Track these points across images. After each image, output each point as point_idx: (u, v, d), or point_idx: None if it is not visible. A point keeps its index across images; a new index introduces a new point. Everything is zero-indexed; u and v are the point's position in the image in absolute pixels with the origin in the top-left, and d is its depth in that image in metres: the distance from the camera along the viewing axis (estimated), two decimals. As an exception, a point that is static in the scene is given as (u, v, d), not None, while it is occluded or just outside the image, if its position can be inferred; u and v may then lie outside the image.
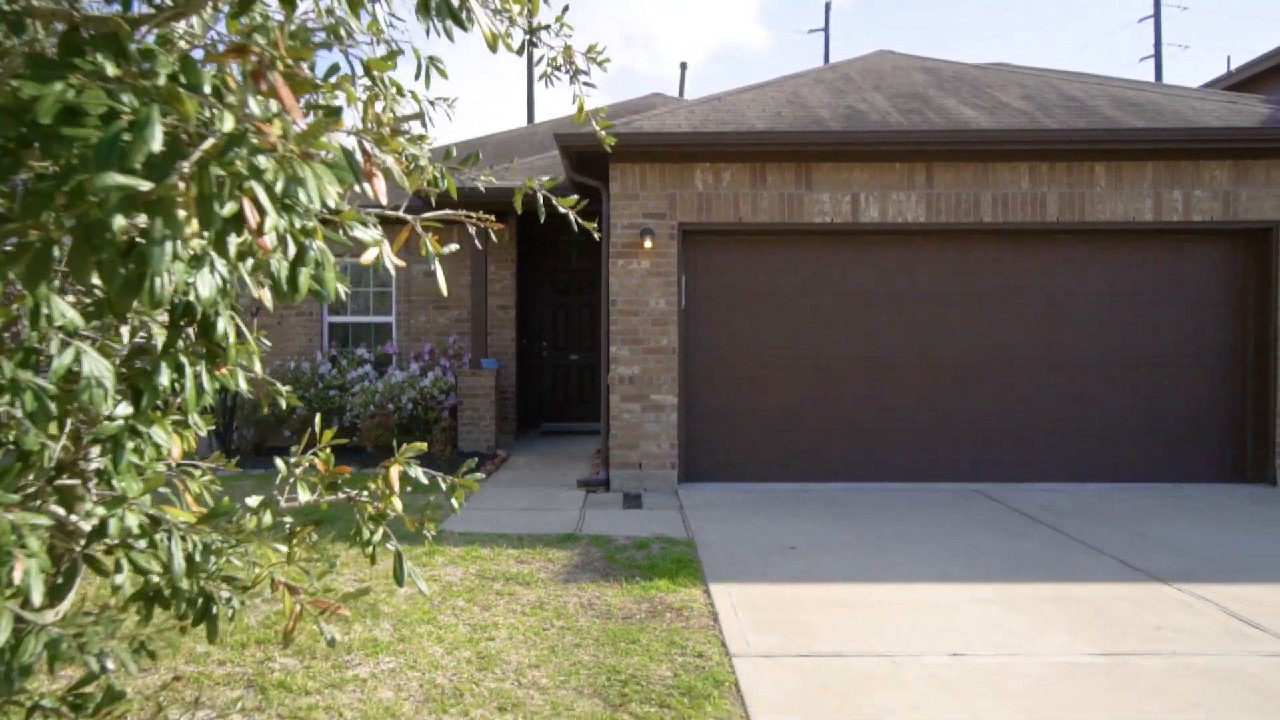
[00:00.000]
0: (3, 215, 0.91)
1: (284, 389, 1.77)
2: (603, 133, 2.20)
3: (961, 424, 8.32)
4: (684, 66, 31.48)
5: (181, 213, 0.85)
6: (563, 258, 12.00)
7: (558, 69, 2.07)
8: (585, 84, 2.05)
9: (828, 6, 34.86)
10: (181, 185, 0.84)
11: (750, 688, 3.73)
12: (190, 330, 1.39)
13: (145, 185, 0.83)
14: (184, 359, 1.35)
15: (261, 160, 0.87)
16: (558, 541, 6.14)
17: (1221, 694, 3.67)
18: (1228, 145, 7.83)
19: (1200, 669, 3.93)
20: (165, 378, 1.31)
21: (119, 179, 0.81)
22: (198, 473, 1.70)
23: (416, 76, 1.75)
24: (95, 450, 1.39)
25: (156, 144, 0.83)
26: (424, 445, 1.75)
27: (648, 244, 7.98)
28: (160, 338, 1.43)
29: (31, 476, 1.27)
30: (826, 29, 35.65)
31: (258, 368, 1.64)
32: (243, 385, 1.54)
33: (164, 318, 1.41)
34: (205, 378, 1.40)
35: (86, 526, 1.37)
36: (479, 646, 4.15)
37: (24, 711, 1.47)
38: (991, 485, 8.11)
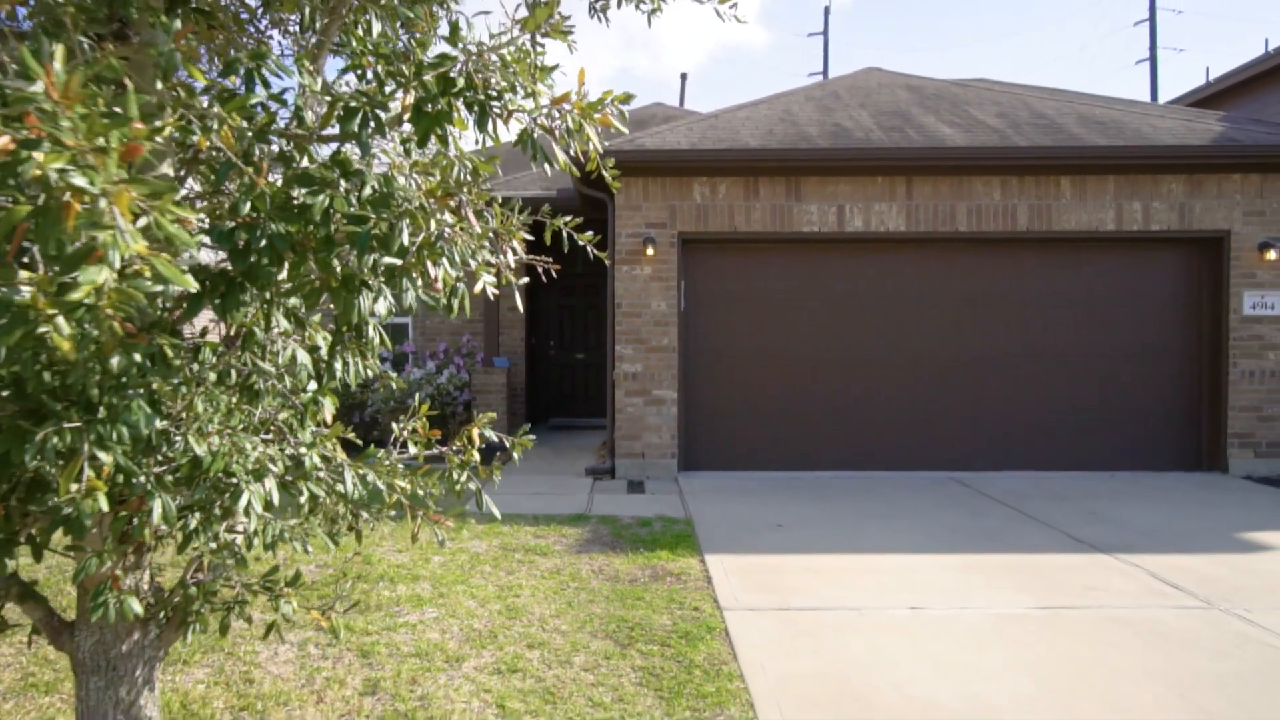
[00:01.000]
0: (292, 270, 1.61)
1: (393, 375, 2.46)
2: (609, 178, 2.83)
3: (940, 418, 9.02)
4: (684, 77, 32.18)
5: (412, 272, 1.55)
6: (569, 262, 12.69)
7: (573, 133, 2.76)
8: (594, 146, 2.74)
9: (826, 10, 35.53)
10: (412, 259, 1.54)
11: (737, 632, 4.44)
12: (347, 335, 2.09)
13: (398, 261, 1.54)
14: (347, 353, 2.04)
15: (447, 246, 1.57)
16: (569, 520, 6.85)
17: (1134, 637, 4.38)
18: (1182, 161, 8.53)
19: (1120, 619, 4.64)
20: (339, 364, 2.01)
21: (389, 260, 1.52)
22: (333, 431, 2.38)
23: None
24: (283, 414, 2.08)
25: (405, 239, 1.53)
26: (494, 415, 2.45)
27: (650, 251, 8.69)
28: (323, 341, 2.12)
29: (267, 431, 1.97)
30: (825, 32, 36.33)
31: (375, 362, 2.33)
32: (373, 372, 2.24)
33: (328, 326, 2.11)
34: (358, 365, 2.10)
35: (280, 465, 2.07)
36: (506, 601, 4.86)
37: (233, 590, 2.17)
38: (966, 474, 8.81)
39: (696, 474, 8.85)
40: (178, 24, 1.96)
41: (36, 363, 1.33)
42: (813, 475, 8.77)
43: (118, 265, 1.13)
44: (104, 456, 1.46)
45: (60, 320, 1.18)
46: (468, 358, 11.40)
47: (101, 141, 0.98)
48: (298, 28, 2.67)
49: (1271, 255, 8.55)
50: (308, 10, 2.30)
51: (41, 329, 1.17)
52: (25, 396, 1.48)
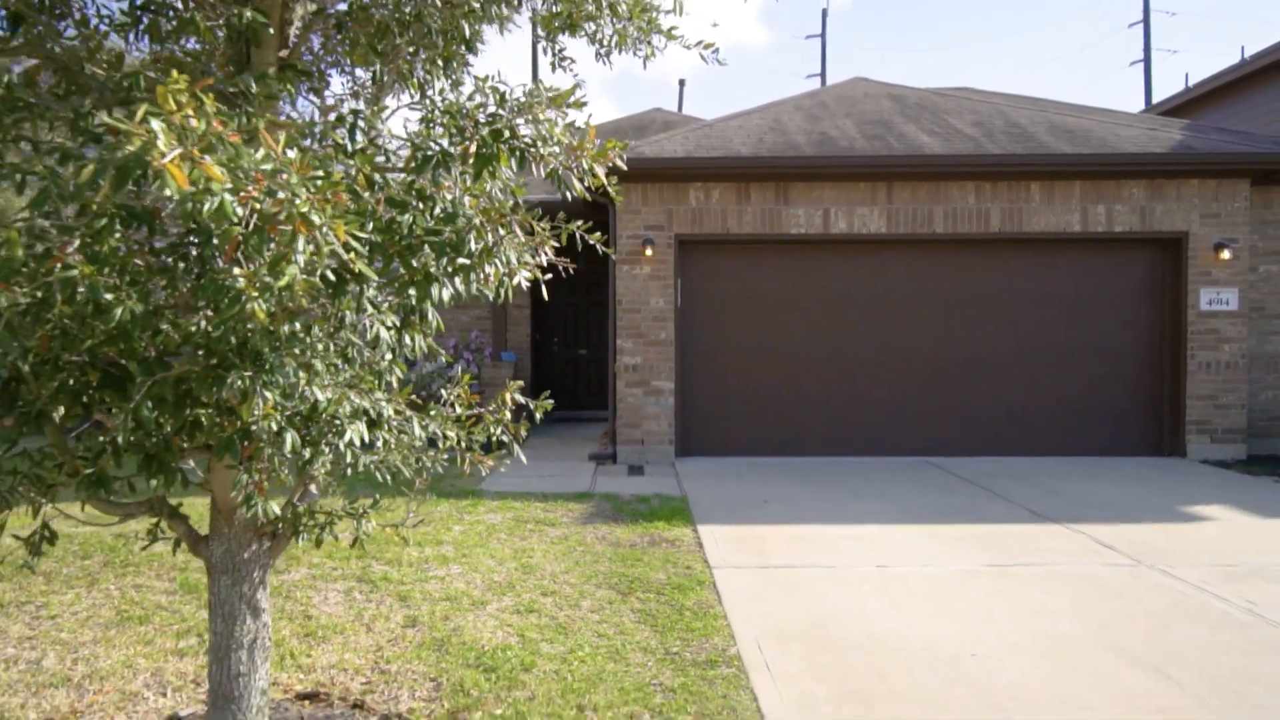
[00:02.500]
0: (381, 269, 2.26)
1: (440, 350, 3.11)
2: (612, 190, 3.43)
3: (919, 406, 9.68)
4: (682, 83, 32.92)
5: (474, 270, 2.21)
6: (572, 261, 13.35)
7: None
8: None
9: (824, 12, 36.16)
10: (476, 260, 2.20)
11: (724, 584, 5.10)
12: (414, 318, 2.75)
13: (468, 261, 2.20)
14: (413, 332, 2.70)
15: (500, 251, 2.23)
16: (575, 497, 7.51)
17: (1069, 587, 5.04)
18: (1144, 167, 9.19)
19: (1060, 574, 5.30)
20: (408, 339, 2.66)
21: (461, 260, 2.18)
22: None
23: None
24: (367, 377, 2.73)
25: (473, 245, 2.19)
26: (522, 382, 3.10)
27: (648, 252, 9.35)
28: (393, 322, 2.77)
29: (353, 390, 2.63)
30: (823, 34, 36.99)
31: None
32: (429, 349, 2.89)
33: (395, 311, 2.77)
34: (420, 341, 2.75)
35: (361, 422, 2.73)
36: (521, 561, 5.53)
37: (325, 515, 2.83)
38: (944, 459, 9.47)
39: (692, 459, 9.52)
40: (289, 87, 2.64)
41: (232, 330, 1.98)
42: (800, 460, 9.43)
43: (301, 264, 1.79)
44: (269, 395, 2.11)
45: (259, 300, 1.84)
46: (476, 353, 12.06)
47: (318, 193, 1.63)
48: (364, 74, 3.33)
49: (1226, 255, 9.21)
50: (378, 66, 2.96)
51: (248, 305, 1.83)
52: (213, 354, 2.13)
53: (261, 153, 1.69)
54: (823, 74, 36.15)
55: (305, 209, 1.58)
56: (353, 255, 1.76)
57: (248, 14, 2.44)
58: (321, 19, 2.69)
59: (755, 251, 9.69)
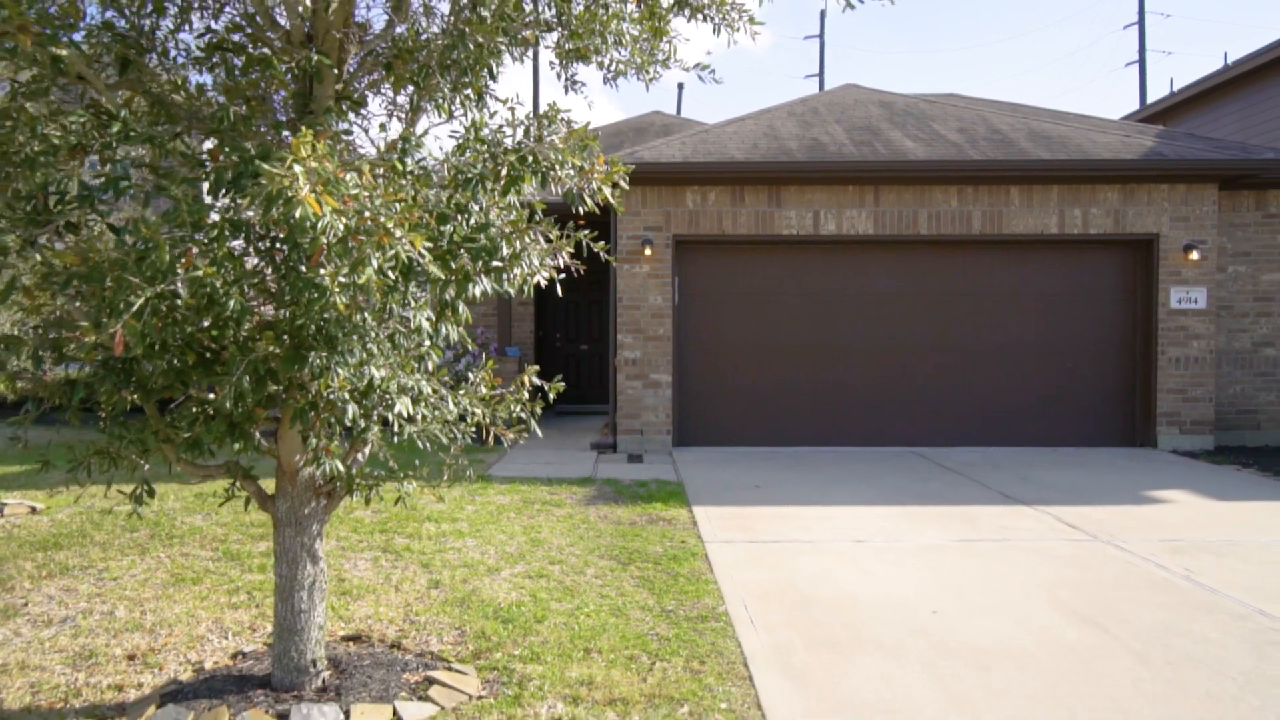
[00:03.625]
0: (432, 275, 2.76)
1: (470, 338, 3.60)
2: (615, 202, 3.93)
3: (905, 399, 10.19)
4: (681, 87, 33.38)
5: (510, 271, 2.72)
6: (577, 261, 13.86)
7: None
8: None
9: (822, 14, 36.58)
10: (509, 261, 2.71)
11: (715, 555, 5.61)
12: (448, 312, 3.25)
13: (501, 263, 2.70)
14: (448, 323, 3.19)
15: (526, 254, 2.74)
16: (578, 482, 8.02)
17: (1027, 558, 5.55)
18: (1117, 172, 9.69)
19: (1021, 547, 5.81)
20: (444, 328, 3.15)
21: (495, 262, 2.67)
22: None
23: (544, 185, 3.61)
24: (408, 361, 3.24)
25: (506, 252, 2.69)
26: (538, 366, 3.59)
27: (647, 251, 9.86)
28: (430, 314, 3.27)
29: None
30: (821, 35, 37.44)
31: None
32: (459, 336, 3.39)
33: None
34: (452, 330, 3.25)
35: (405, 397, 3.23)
36: (530, 535, 6.04)
37: (374, 477, 3.34)
38: (926, 449, 9.98)
39: (688, 448, 10.03)
40: (345, 115, 3.15)
41: (312, 318, 2.48)
42: (791, 450, 9.94)
43: (375, 266, 2.30)
44: (341, 372, 2.60)
45: (340, 295, 2.34)
46: (482, 348, 12.56)
47: (401, 213, 2.14)
48: (397, 96, 3.83)
49: (1194, 255, 9.72)
50: (414, 95, 3.47)
51: (332, 298, 2.33)
52: (295, 338, 2.63)
53: (350, 176, 2.20)
54: (821, 75, 36.61)
55: (390, 224, 2.08)
56: (427, 259, 2.26)
57: (315, 56, 2.95)
58: (372, 58, 3.19)
59: (749, 251, 10.20)
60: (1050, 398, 10.18)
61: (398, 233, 2.11)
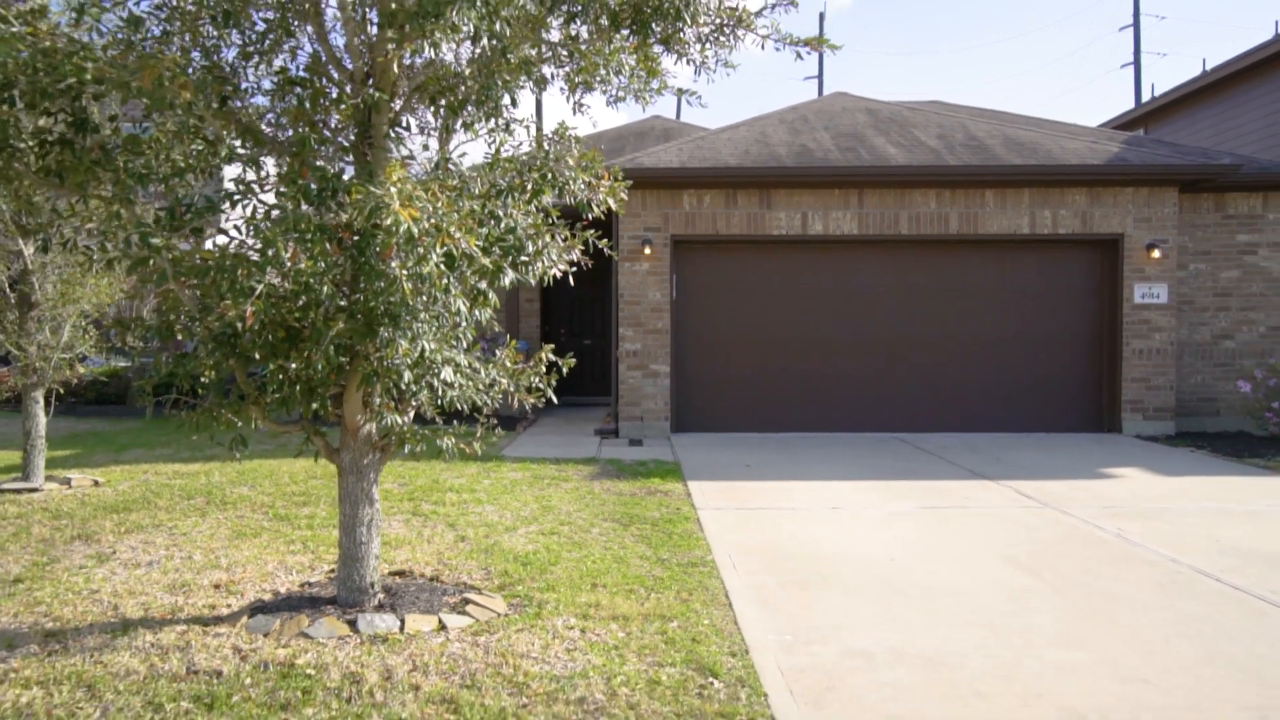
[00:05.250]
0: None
1: (497, 321, 4.34)
2: (617, 208, 4.67)
3: (888, 388, 10.92)
4: (680, 92, 33.96)
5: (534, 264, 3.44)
6: (586, 258, 14.61)
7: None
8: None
9: (821, 16, 37.23)
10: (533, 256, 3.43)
11: (705, 519, 6.35)
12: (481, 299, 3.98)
13: (527, 257, 3.44)
14: (480, 307, 3.92)
15: (547, 251, 3.46)
16: (583, 461, 8.76)
17: (983, 522, 6.28)
18: (1084, 177, 10.41)
19: (980, 514, 6.54)
20: (477, 312, 3.89)
21: (522, 257, 3.40)
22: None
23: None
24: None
25: (530, 249, 3.41)
26: (553, 345, 4.32)
27: (647, 250, 10.59)
28: (467, 298, 4.01)
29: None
30: (820, 35, 38.05)
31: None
32: (487, 319, 4.13)
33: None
34: (482, 313, 3.98)
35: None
36: (542, 503, 6.77)
37: (430, 433, 4.08)
38: (908, 434, 10.70)
39: (685, 434, 10.76)
40: (399, 141, 3.88)
41: (381, 301, 3.20)
42: (780, 435, 10.67)
43: (434, 261, 3.03)
44: (403, 344, 3.33)
45: (406, 282, 3.08)
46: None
47: (460, 219, 2.87)
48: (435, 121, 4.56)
49: (1156, 254, 10.43)
50: (449, 119, 4.20)
51: (402, 285, 3.07)
52: (367, 318, 3.36)
53: (420, 192, 2.94)
54: (820, 77, 37.27)
55: (451, 228, 2.82)
56: (479, 254, 3.00)
57: (375, 94, 3.69)
58: (420, 93, 3.92)
59: (742, 250, 10.93)
60: (1024, 387, 10.90)
61: (456, 234, 2.84)
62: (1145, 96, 35.50)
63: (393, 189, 2.61)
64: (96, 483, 7.29)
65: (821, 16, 36.61)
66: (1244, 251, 11.01)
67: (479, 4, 2.80)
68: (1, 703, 3.04)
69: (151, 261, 2.94)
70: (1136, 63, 36.04)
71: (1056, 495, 7.12)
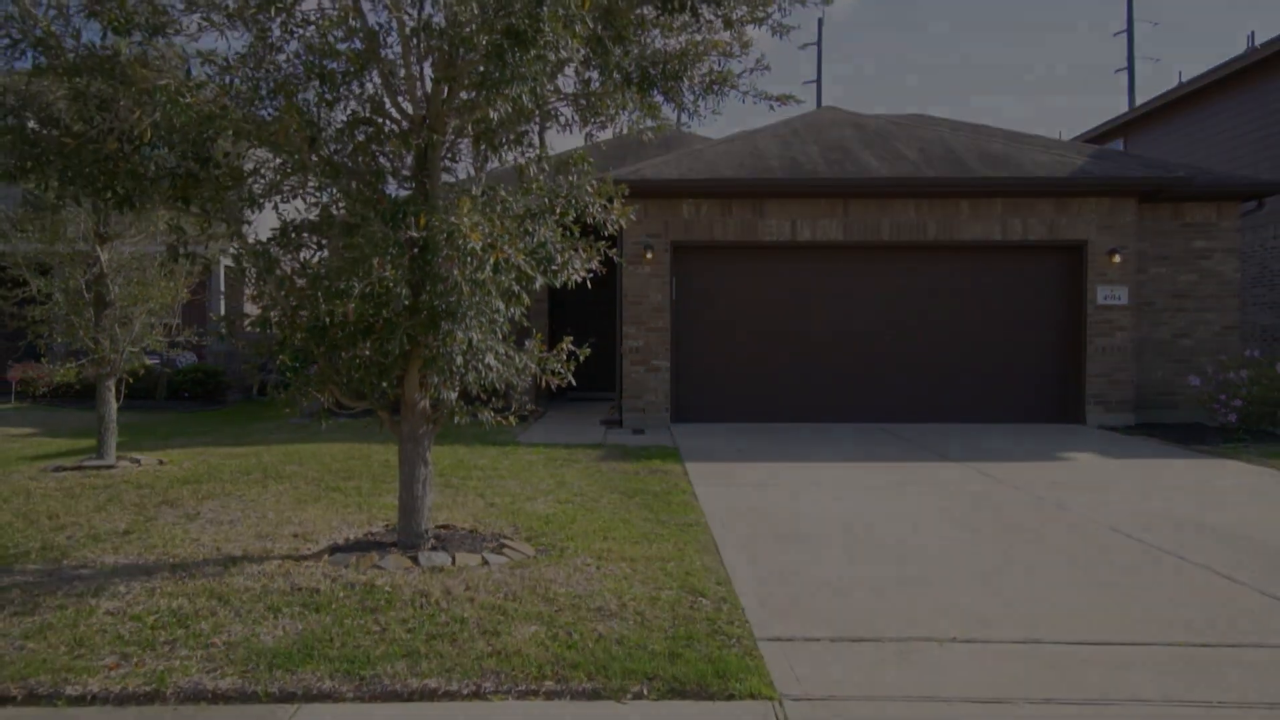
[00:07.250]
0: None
1: (526, 317, 5.27)
2: (625, 224, 5.62)
3: (874, 382, 11.85)
4: (678, 123, 34.96)
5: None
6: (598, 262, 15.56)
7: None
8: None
9: (820, 21, 38.15)
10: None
11: (700, 491, 7.28)
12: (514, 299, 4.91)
13: (556, 265, 4.38)
14: (514, 305, 4.84)
15: (572, 259, 4.40)
16: (591, 446, 9.70)
17: (941, 493, 7.20)
18: (1051, 188, 11.34)
19: (940, 489, 7.46)
20: (511, 309, 4.81)
21: (553, 266, 4.33)
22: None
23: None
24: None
25: (560, 259, 4.37)
26: (572, 336, 5.25)
27: (649, 255, 11.53)
28: (502, 301, 4.93)
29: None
30: (819, 42, 39.03)
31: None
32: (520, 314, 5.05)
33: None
34: (515, 310, 4.90)
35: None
36: (556, 479, 7.71)
37: (473, 408, 5.00)
38: (891, 424, 11.62)
39: (684, 424, 11.69)
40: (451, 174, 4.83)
41: (441, 300, 4.12)
42: (772, 425, 11.60)
43: (488, 269, 3.96)
44: (459, 335, 4.25)
45: (465, 285, 4.01)
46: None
47: (508, 235, 3.79)
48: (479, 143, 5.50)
49: (1117, 259, 11.36)
50: (485, 150, 5.14)
51: (461, 287, 4.00)
52: (430, 314, 4.28)
53: (478, 219, 3.88)
54: (818, 82, 38.16)
55: (506, 245, 3.75)
56: (525, 265, 3.94)
57: (433, 136, 4.63)
58: (467, 134, 4.86)
59: (736, 254, 11.87)
60: (997, 381, 11.83)
61: (507, 249, 3.78)
62: (1139, 99, 36.40)
63: (465, 220, 3.54)
64: (161, 462, 8.24)
65: (820, 22, 37.50)
66: (1200, 256, 11.93)
67: (530, 82, 3.71)
68: (159, 607, 3.98)
69: (276, 271, 3.87)
70: (1130, 69, 36.83)
71: (1012, 473, 8.04)
